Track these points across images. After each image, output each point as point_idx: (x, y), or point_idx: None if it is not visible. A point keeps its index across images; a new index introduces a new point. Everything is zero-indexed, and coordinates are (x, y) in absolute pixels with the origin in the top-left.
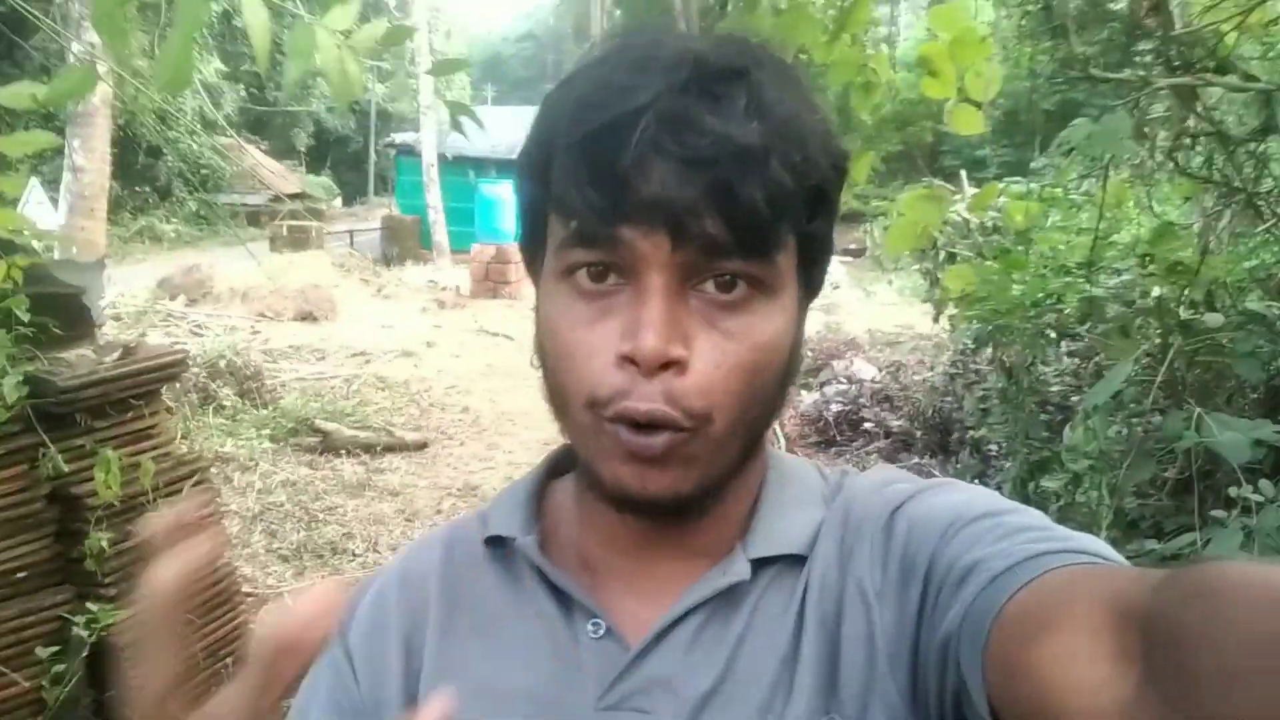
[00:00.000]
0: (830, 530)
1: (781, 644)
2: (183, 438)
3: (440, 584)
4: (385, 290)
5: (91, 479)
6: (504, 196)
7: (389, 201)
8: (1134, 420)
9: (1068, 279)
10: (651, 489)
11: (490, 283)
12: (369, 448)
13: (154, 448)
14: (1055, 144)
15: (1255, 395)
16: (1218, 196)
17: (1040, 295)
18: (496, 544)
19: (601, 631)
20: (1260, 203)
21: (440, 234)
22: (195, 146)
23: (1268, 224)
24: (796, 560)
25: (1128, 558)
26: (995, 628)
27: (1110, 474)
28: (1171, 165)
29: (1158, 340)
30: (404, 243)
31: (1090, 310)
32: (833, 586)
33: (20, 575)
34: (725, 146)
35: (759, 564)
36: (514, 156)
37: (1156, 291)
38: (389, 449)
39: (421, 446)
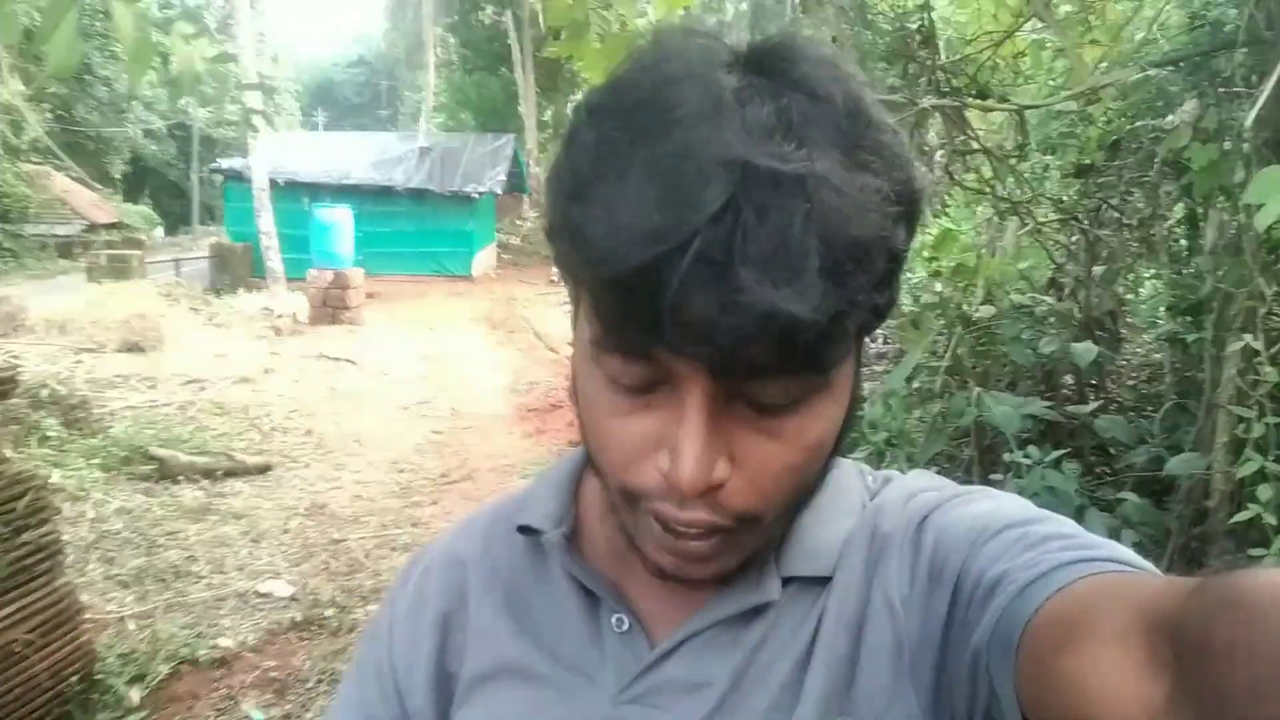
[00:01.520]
0: (857, 542)
1: (798, 649)
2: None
3: (479, 565)
4: (217, 319)
5: None
6: (340, 220)
7: (215, 231)
8: (926, 402)
9: None
10: (692, 575)
11: (329, 309)
12: (209, 473)
13: None
14: None
15: (1030, 378)
16: (990, 206)
17: None
18: (529, 531)
19: (626, 626)
20: (1023, 211)
21: (274, 260)
22: None
23: (1028, 228)
24: (823, 577)
25: None
26: (1025, 637)
27: (909, 449)
28: (949, 179)
29: (943, 332)
30: (235, 271)
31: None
32: (856, 596)
33: None
34: (777, 281)
35: (787, 579)
36: (349, 181)
37: (939, 288)
38: (230, 473)
39: (264, 470)
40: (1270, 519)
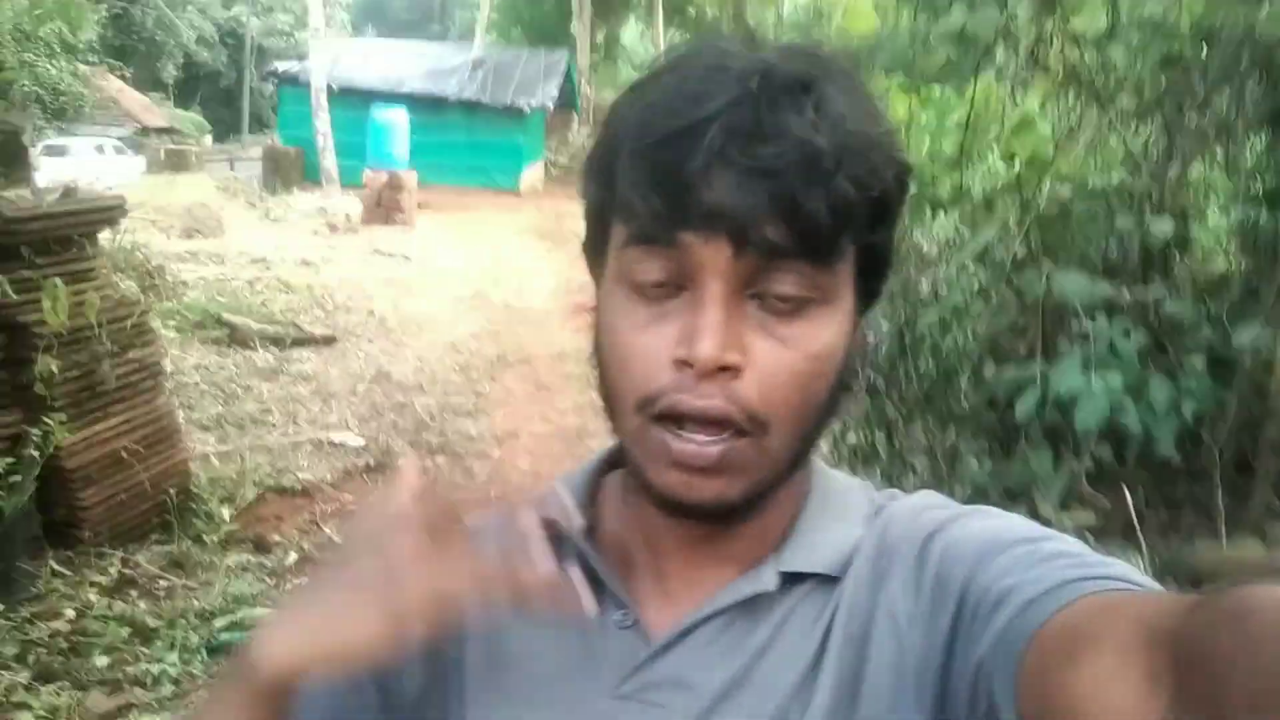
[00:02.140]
0: (865, 552)
1: (805, 658)
2: None
3: (494, 545)
4: (273, 214)
5: (37, 310)
6: (396, 121)
7: (265, 140)
8: (996, 277)
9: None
10: (698, 496)
11: (383, 209)
12: (277, 341)
13: (96, 286)
14: (931, 35)
15: (1096, 265)
16: (1072, 96)
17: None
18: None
19: (628, 622)
20: (1105, 99)
21: (329, 161)
22: (53, 71)
23: (1109, 115)
24: (830, 579)
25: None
26: (1029, 652)
27: (976, 320)
28: (1033, 64)
29: (1017, 212)
30: (286, 174)
31: (961, 190)
32: (862, 608)
33: None
34: (791, 157)
35: (791, 578)
36: (402, 90)
37: (1016, 168)
38: (298, 342)
39: (330, 341)
40: None
